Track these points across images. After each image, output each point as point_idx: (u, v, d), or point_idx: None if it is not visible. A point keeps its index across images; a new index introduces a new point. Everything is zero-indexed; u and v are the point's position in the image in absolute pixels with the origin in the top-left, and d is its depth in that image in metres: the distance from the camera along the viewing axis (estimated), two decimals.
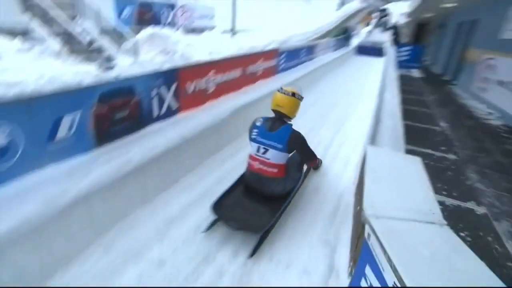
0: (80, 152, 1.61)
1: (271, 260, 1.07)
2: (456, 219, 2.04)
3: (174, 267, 1.05)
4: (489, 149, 3.75)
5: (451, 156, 3.40)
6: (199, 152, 2.30)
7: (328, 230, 1.32)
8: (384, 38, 16.50)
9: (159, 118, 2.15)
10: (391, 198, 1.24)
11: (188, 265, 1.08)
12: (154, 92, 2.06)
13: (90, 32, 5.59)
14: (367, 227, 1.08)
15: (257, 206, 1.41)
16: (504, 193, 2.65)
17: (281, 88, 1.61)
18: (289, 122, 1.53)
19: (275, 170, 1.48)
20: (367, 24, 18.73)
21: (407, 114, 3.33)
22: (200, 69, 2.56)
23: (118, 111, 1.79)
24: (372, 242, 1.01)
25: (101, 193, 1.36)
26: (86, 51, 5.25)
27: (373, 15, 22.09)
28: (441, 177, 2.83)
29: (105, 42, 5.67)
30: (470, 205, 2.27)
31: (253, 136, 1.56)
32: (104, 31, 6.08)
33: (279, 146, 1.47)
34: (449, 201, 2.29)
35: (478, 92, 6.56)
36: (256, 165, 1.53)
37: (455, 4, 8.30)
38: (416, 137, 3.70)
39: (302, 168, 1.66)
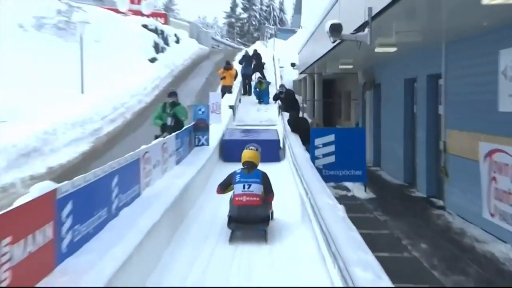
0: None
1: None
2: None
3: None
4: None
5: None
6: None
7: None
8: (271, 114, 20.40)
9: None
10: None
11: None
12: None
13: None
14: None
15: (253, 223, 7.24)
16: None
17: (247, 146, 8.04)
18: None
19: (257, 199, 7.26)
20: (229, 90, 22.73)
21: None
22: None
23: None
24: None
25: None
26: None
27: (240, 63, 26.60)
28: None
29: None
30: None
31: (237, 180, 7.41)
32: None
33: (258, 180, 7.41)
34: None
35: (504, 225, 8.45)
36: (244, 199, 7.22)
37: (393, 49, 11.26)
38: None
39: (268, 203, 7.56)
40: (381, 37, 9.87)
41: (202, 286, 5.42)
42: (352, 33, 9.07)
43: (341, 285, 4.60)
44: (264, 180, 7.29)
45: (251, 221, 6.97)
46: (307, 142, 12.89)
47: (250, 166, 7.48)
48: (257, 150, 7.80)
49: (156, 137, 11.36)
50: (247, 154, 7.65)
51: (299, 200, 8.55)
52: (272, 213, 7.61)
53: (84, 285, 4.37)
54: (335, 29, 9.14)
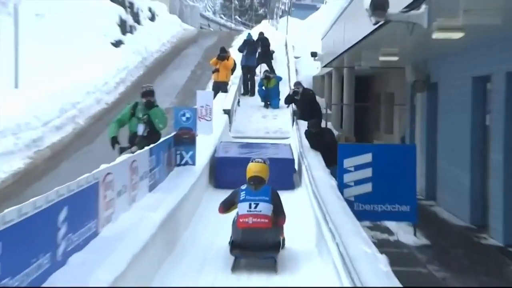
0: None
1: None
2: None
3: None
4: None
5: None
6: None
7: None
8: (282, 123, 20.75)
9: None
10: None
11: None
12: None
13: None
14: None
15: (260, 250, 8.58)
16: None
17: (253, 159, 9.60)
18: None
19: (266, 221, 8.53)
20: (224, 89, 22.83)
21: None
22: None
23: None
24: None
25: None
26: None
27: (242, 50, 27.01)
28: None
29: None
30: None
31: (242, 197, 8.80)
32: None
33: (266, 198, 8.74)
34: None
35: None
36: (250, 220, 8.51)
37: (459, 35, 11.20)
38: None
39: (279, 226, 9.00)
40: (442, 18, 9.83)
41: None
42: (402, 12, 9.03)
43: None
44: (274, 198, 8.39)
45: (258, 247, 8.01)
46: (333, 163, 12.89)
47: (257, 182, 8.51)
48: (264, 162, 8.89)
49: (122, 150, 11.28)
50: (254, 167, 8.75)
51: (321, 248, 8.65)
52: (283, 240, 8.62)
53: None
54: (379, 5, 9.13)
